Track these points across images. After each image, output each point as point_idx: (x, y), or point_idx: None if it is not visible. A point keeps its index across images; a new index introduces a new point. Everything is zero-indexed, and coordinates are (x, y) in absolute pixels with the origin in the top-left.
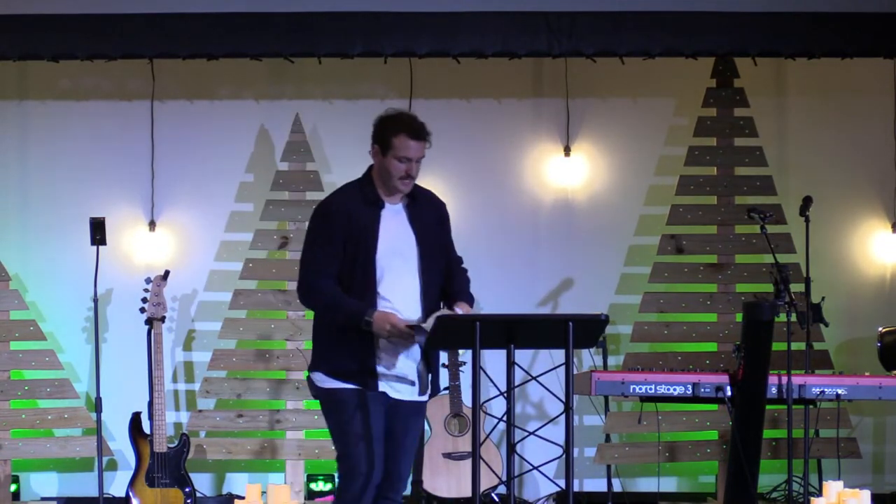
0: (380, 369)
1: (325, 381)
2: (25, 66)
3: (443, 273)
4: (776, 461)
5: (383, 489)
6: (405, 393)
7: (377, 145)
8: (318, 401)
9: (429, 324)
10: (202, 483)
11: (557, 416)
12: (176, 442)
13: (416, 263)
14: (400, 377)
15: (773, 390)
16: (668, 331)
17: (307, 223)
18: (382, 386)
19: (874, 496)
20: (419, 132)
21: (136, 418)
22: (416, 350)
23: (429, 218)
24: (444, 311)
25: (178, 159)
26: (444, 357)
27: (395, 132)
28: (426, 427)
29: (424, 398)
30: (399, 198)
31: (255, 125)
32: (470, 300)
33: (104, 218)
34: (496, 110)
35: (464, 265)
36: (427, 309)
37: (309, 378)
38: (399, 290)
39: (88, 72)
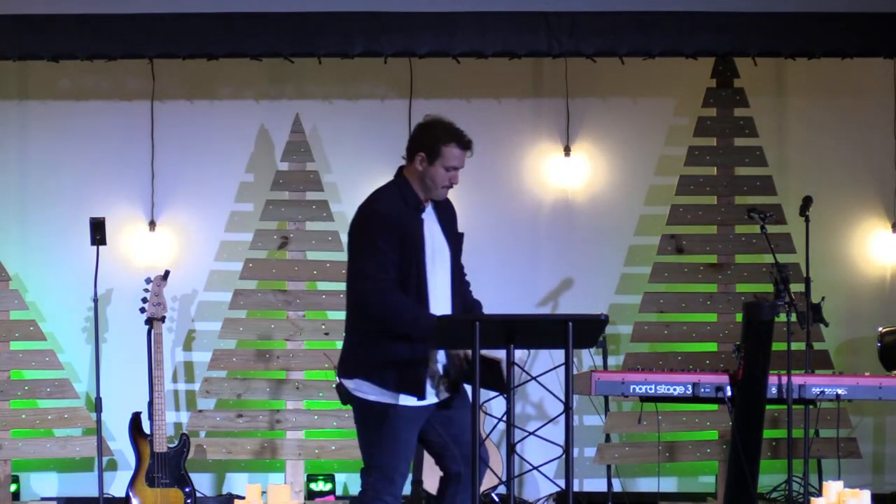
0: (429, 381)
1: (372, 394)
2: (25, 66)
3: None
4: (776, 461)
5: (457, 472)
6: (446, 393)
7: (423, 153)
8: (349, 406)
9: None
10: (202, 483)
11: (557, 416)
12: (176, 442)
13: (449, 267)
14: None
15: (773, 390)
16: (668, 331)
17: (357, 229)
18: (430, 397)
19: (874, 496)
20: (467, 142)
21: (136, 418)
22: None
23: (450, 219)
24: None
25: (178, 159)
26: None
27: (446, 142)
28: None
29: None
30: (428, 201)
31: (255, 125)
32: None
33: (104, 218)
34: (496, 110)
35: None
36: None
37: (341, 383)
38: (437, 295)
39: (88, 72)
